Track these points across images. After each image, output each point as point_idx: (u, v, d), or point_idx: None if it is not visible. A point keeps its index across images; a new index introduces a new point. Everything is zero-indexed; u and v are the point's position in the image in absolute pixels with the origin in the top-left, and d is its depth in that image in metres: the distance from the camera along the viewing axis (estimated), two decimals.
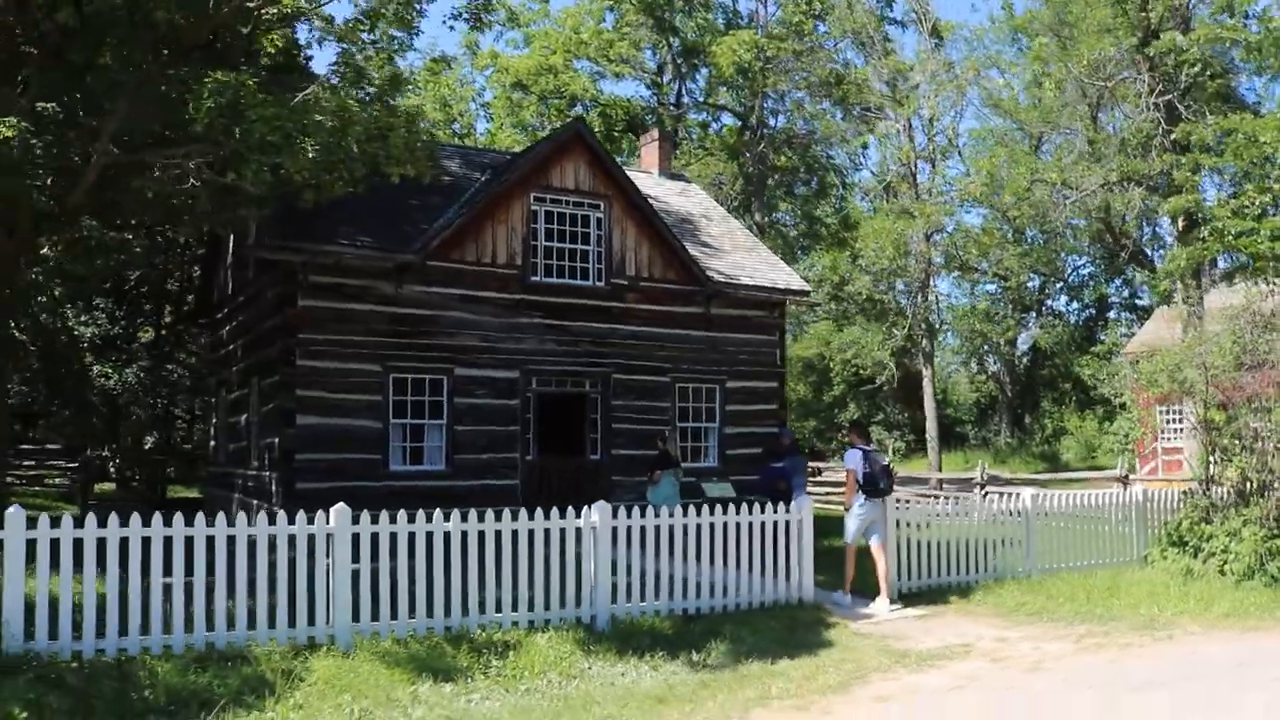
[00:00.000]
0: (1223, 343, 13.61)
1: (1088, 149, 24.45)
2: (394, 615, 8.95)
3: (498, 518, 9.60)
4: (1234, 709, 7.45)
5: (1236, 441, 13.67)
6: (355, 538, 8.91)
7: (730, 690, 7.95)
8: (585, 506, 10.14)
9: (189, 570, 8.24)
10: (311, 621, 8.63)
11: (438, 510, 9.37)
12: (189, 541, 8.28)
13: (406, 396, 15.62)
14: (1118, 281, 44.79)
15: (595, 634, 9.50)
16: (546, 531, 9.76)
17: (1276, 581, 12.36)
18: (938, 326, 42.20)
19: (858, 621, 10.80)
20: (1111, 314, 46.66)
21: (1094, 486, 21.91)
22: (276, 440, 14.95)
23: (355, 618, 8.79)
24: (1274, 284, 17.80)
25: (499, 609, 9.42)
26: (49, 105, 9.95)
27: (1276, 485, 13.27)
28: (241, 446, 17.42)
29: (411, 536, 9.14)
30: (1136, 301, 45.66)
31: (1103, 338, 45.05)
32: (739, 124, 33.98)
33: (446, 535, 9.28)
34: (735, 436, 18.49)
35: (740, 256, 19.48)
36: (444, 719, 7.22)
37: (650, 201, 18.01)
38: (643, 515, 10.43)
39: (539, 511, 9.84)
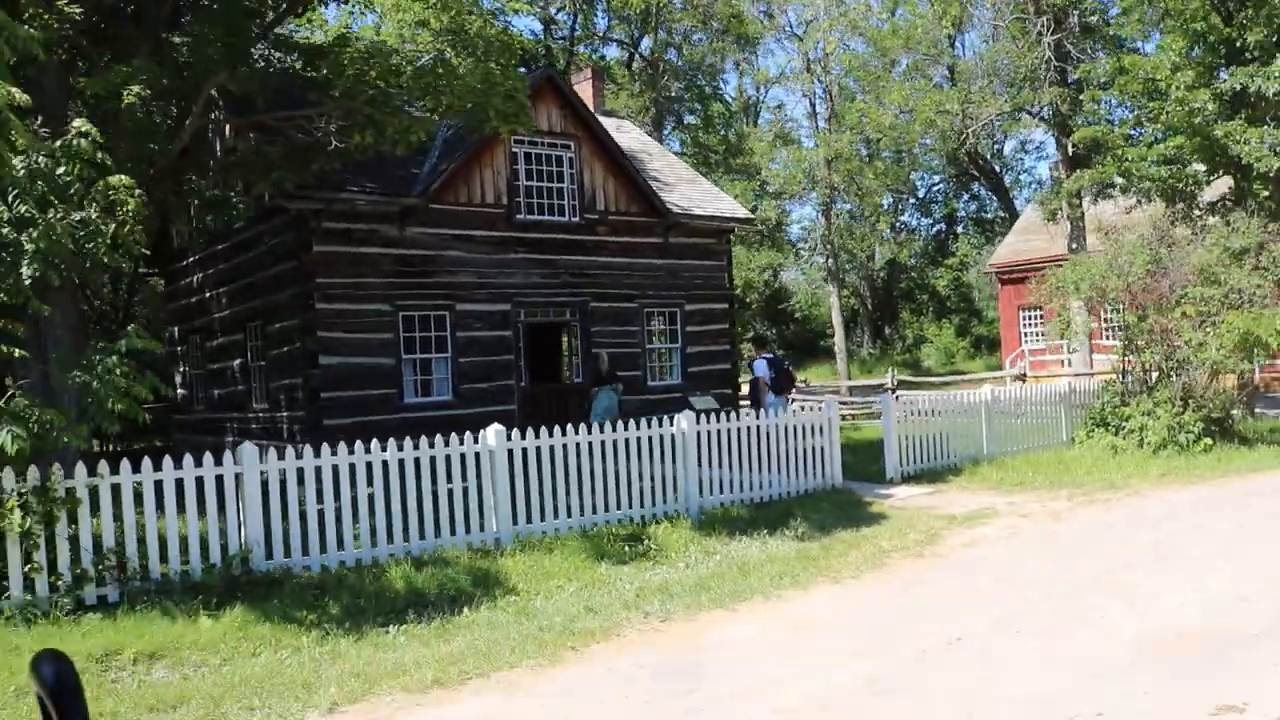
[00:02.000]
0: (1136, 254, 16.51)
1: (973, 77, 27.56)
2: (541, 518, 10.72)
3: (606, 429, 11.42)
4: (1234, 517, 10.18)
5: (1148, 336, 16.70)
6: (509, 454, 10.60)
7: (844, 551, 10.14)
8: (671, 416, 12.09)
9: (344, 492, 9.72)
10: (482, 528, 10.32)
11: (569, 424, 11.13)
12: (351, 468, 9.71)
13: (415, 333, 16.96)
14: (965, 197, 48.96)
15: (693, 523, 11.52)
16: (650, 439, 11.68)
17: (1184, 449, 15.52)
18: (805, 245, 45.32)
19: (888, 499, 13.21)
20: (960, 229, 50.96)
21: (996, 385, 25.15)
22: (301, 381, 16.09)
23: (514, 521, 10.53)
24: (1146, 201, 21.14)
25: (619, 506, 11.32)
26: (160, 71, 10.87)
27: (1180, 372, 16.44)
28: (236, 391, 18.33)
29: (551, 450, 10.89)
30: (983, 216, 50.05)
31: (954, 250, 49.40)
32: (628, 57, 35.54)
33: (577, 446, 11.08)
34: (695, 355, 20.60)
35: (687, 189, 21.42)
36: (649, 587, 9.09)
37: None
38: (716, 420, 12.46)
39: (642, 421, 11.73)
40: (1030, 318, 36.55)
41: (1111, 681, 5.87)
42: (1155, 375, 16.86)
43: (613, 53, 37.19)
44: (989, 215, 49.35)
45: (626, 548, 10.42)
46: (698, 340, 20.73)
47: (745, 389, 21.04)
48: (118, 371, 7.84)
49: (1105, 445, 16.36)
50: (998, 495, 13.25)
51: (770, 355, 17.71)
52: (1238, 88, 17.80)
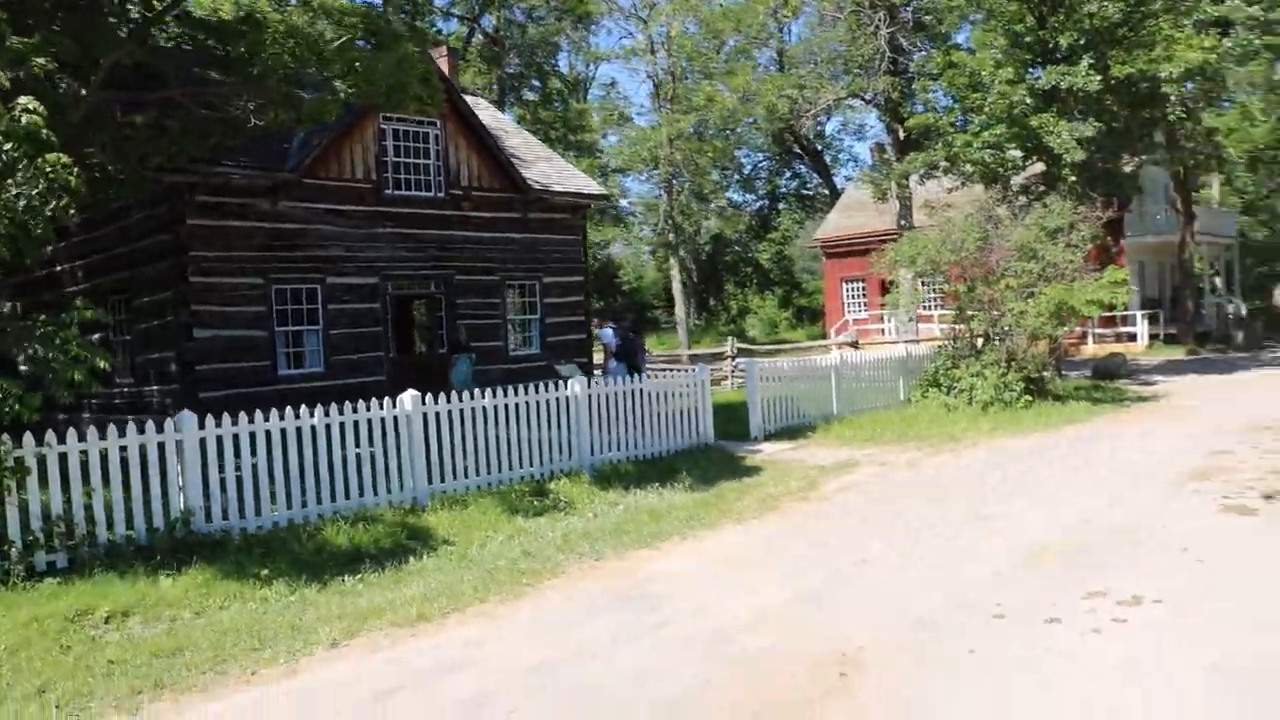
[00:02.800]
0: (968, 232, 18.37)
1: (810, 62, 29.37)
2: (454, 477, 11.47)
3: (510, 393, 12.23)
4: (1066, 459, 11.87)
5: (976, 306, 18.60)
6: (424, 417, 11.28)
7: (737, 498, 11.31)
8: (559, 382, 13.00)
9: (277, 457, 10.25)
10: (401, 488, 10.99)
11: (479, 389, 11.88)
12: (282, 433, 10.22)
13: (287, 306, 17.20)
14: (787, 174, 51.35)
15: (590, 478, 12.47)
16: (548, 403, 12.56)
17: (1009, 405, 17.47)
18: (637, 220, 46.67)
19: (758, 454, 14.49)
20: (782, 205, 53.39)
21: (824, 353, 27.06)
22: (174, 354, 16.14)
23: (429, 481, 11.23)
24: (969, 183, 23.28)
25: (522, 465, 12.17)
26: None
27: (1005, 338, 18.41)
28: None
29: (461, 413, 11.63)
30: (804, 192, 52.60)
31: (777, 225, 51.78)
32: (468, 32, 35.78)
33: (484, 409, 11.85)
34: (553, 326, 21.48)
35: (544, 165, 22.19)
36: (572, 533, 9.97)
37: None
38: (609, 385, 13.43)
39: (540, 385, 12.59)
40: (853, 289, 39.02)
41: (1002, 583, 7.20)
42: (982, 341, 18.81)
43: (452, 28, 37.48)
44: (809, 191, 51.98)
45: (534, 502, 11.28)
46: (556, 312, 21.61)
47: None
48: (74, 343, 8.17)
49: (939, 404, 18.18)
50: (854, 449, 14.73)
51: (614, 325, 19.31)
52: (1050, 85, 19.94)
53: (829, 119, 43.55)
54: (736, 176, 51.58)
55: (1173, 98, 20.50)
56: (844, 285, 39.19)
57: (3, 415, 7.96)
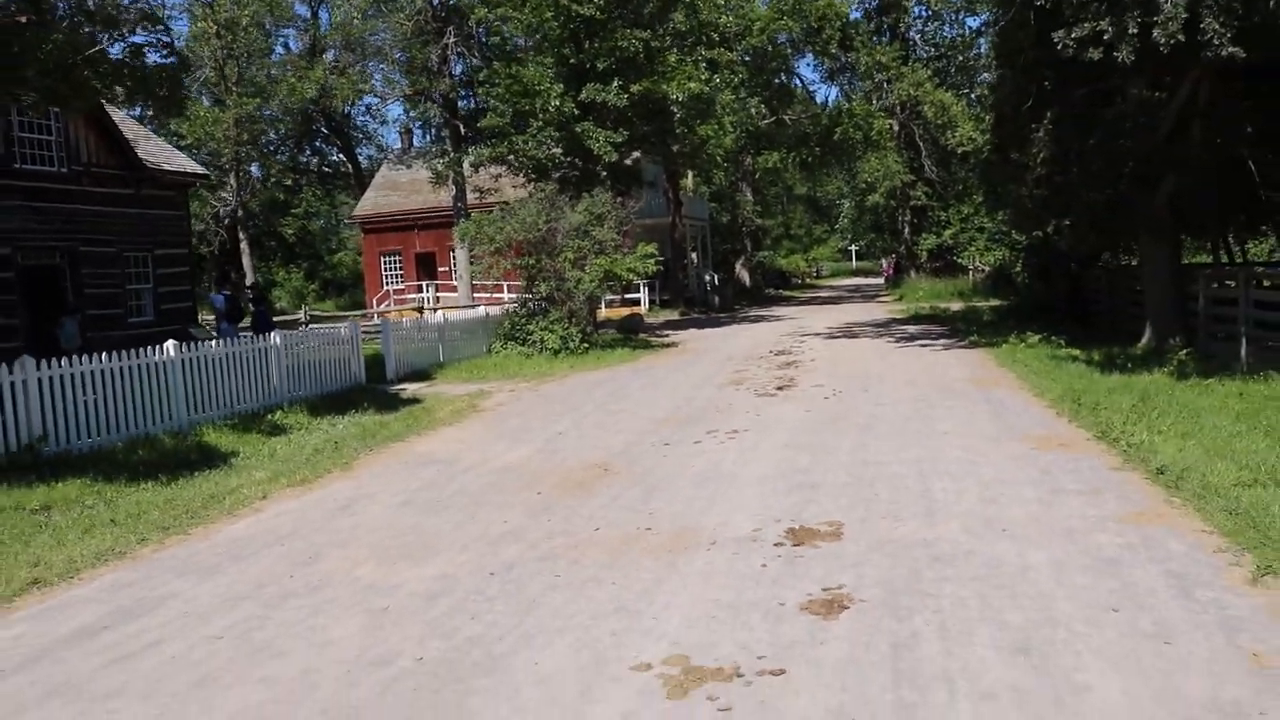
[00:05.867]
0: (539, 215, 23.81)
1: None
2: (202, 410, 14.70)
3: (224, 344, 15.57)
4: (637, 379, 17.59)
5: (543, 274, 24.14)
6: (183, 362, 14.41)
7: (428, 414, 15.67)
8: (269, 336, 16.50)
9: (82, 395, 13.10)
10: (171, 417, 14.08)
11: (233, 338, 15.11)
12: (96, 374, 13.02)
13: None
14: (308, 151, 53.93)
15: (301, 409, 16.15)
16: (254, 353, 16.04)
17: (573, 353, 23.23)
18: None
19: (405, 391, 18.77)
20: (304, 181, 55.81)
21: (398, 317, 31.40)
22: None
23: (189, 412, 14.41)
24: (519, 174, 28.82)
25: (241, 402, 15.60)
26: None
27: (567, 300, 24.14)
28: None
29: (206, 359, 14.84)
30: (324, 170, 55.51)
31: (300, 200, 54.35)
32: None
33: (218, 358, 15.14)
34: (164, 294, 23.90)
35: (149, 145, 24.31)
36: (327, 440, 13.76)
37: None
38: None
39: (246, 338, 16.01)
40: (391, 262, 43.37)
41: (656, 431, 12.58)
42: (547, 303, 24.41)
43: None
44: (329, 169, 55.11)
45: (272, 426, 14.87)
46: (166, 281, 24.04)
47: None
48: None
49: (518, 353, 23.50)
50: (478, 384, 19.52)
51: (226, 292, 23.19)
52: (589, 99, 25.99)
53: (352, 104, 47.11)
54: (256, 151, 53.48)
55: (678, 114, 27.50)
56: (382, 259, 43.43)
57: None
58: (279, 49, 46.01)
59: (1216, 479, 8.09)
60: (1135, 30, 13.00)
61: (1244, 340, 15.15)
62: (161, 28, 14.38)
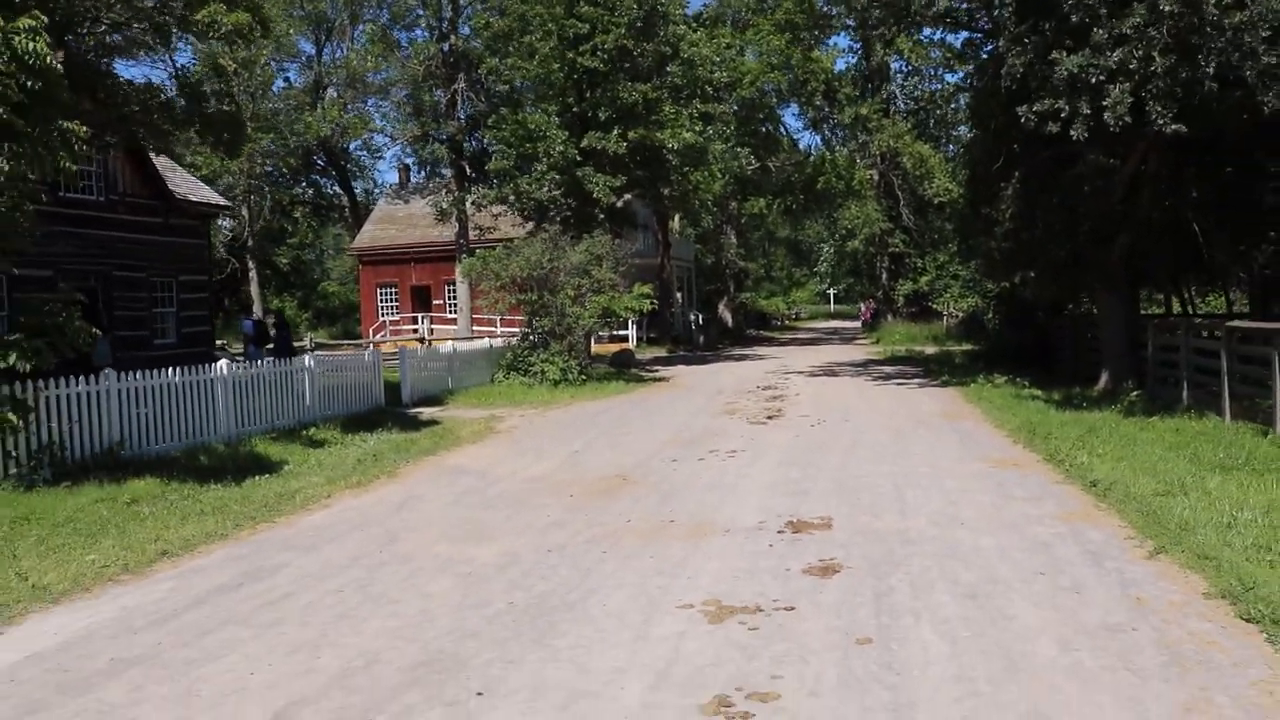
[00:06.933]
0: (543, 254, 25.65)
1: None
2: (252, 424, 16.37)
3: (281, 364, 17.27)
4: (637, 409, 19.36)
5: (545, 309, 25.94)
6: (233, 381, 16.09)
7: (450, 434, 17.37)
8: (292, 357, 18.20)
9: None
10: (218, 430, 15.74)
11: (261, 360, 16.82)
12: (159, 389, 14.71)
13: None
14: (303, 183, 55.64)
15: (333, 427, 17.83)
16: (290, 374, 17.73)
17: (572, 384, 25.00)
18: None
19: (423, 414, 20.49)
20: (298, 213, 57.52)
21: (393, 347, 33.06)
22: None
23: (236, 425, 16.08)
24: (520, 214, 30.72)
25: (279, 419, 17.27)
26: None
27: (568, 334, 25.94)
28: None
29: (253, 379, 16.53)
30: (319, 204, 57.27)
31: (294, 231, 56.03)
32: None
33: (264, 377, 16.83)
34: (186, 318, 25.56)
35: (175, 177, 26.05)
36: (367, 453, 15.45)
37: None
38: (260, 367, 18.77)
39: (287, 360, 17.71)
40: (388, 294, 45.10)
41: (663, 451, 14.34)
42: (549, 336, 26.19)
43: None
44: (324, 201, 56.87)
45: (311, 438, 16.55)
46: (188, 306, 25.70)
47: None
48: (76, 315, 12.51)
49: (520, 383, 25.25)
50: (489, 409, 21.25)
51: (255, 319, 25.03)
52: (590, 146, 27.98)
53: (349, 140, 49.02)
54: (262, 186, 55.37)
55: (672, 160, 29.53)
56: (379, 290, 45.16)
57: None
58: (279, 83, 47.83)
59: (1138, 490, 9.97)
60: (1089, 111, 15.03)
61: (1185, 384, 17.10)
62: (224, 79, 16.17)
